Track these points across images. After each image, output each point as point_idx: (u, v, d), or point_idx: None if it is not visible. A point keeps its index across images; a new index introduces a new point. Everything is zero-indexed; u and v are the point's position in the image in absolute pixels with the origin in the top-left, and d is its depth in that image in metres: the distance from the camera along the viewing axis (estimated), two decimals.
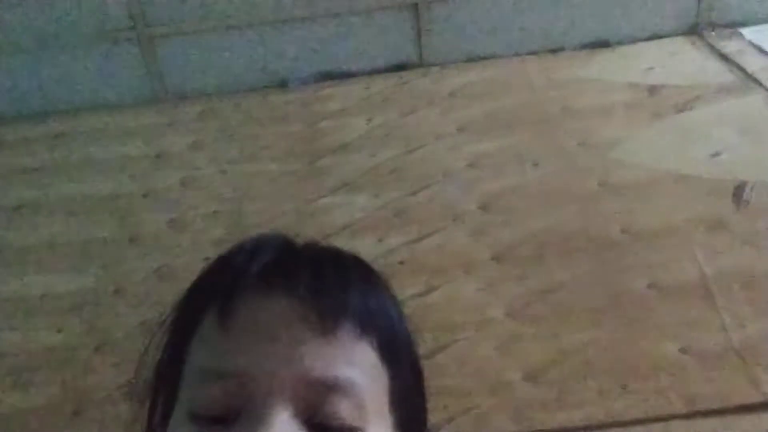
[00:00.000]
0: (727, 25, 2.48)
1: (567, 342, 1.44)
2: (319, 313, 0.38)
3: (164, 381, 0.42)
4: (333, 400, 0.36)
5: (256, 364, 0.36)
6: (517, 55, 2.47)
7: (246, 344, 0.37)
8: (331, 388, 0.36)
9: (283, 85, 2.49)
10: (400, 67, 2.49)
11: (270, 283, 0.39)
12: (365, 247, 1.72)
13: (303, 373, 0.36)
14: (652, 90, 2.19)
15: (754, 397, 1.28)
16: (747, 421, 1.25)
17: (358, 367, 0.38)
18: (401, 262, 1.68)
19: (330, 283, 0.40)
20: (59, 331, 1.63)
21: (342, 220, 1.82)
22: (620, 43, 2.48)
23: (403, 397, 0.41)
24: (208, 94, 2.46)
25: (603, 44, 2.48)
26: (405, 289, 1.60)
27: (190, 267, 1.74)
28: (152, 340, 0.43)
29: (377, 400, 0.39)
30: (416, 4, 2.41)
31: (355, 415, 0.37)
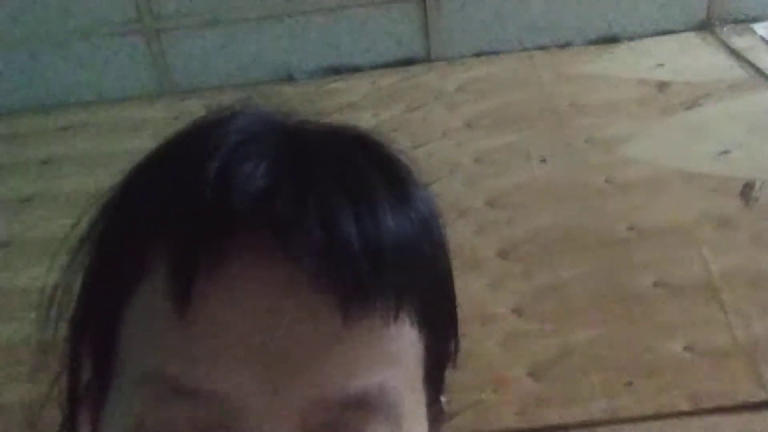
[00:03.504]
0: (738, 21, 2.45)
1: (572, 339, 1.44)
2: (345, 287, 0.23)
3: (84, 354, 0.28)
4: (359, 420, 0.24)
5: (242, 382, 0.23)
6: (525, 50, 2.46)
7: (224, 347, 0.23)
8: (357, 406, 0.24)
9: (289, 79, 2.49)
10: (407, 62, 2.49)
11: (261, 233, 0.23)
12: None
13: (316, 393, 0.23)
14: (662, 86, 2.17)
15: (759, 395, 1.28)
16: (752, 419, 1.25)
17: (393, 362, 0.25)
18: None
19: (355, 231, 0.24)
20: (65, 322, 1.65)
21: None
22: (630, 38, 2.46)
23: (437, 359, 0.29)
24: (214, 87, 2.47)
25: (612, 39, 2.46)
26: None
27: None
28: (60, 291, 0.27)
29: (414, 390, 0.27)
30: None
31: (389, 428, 0.25)
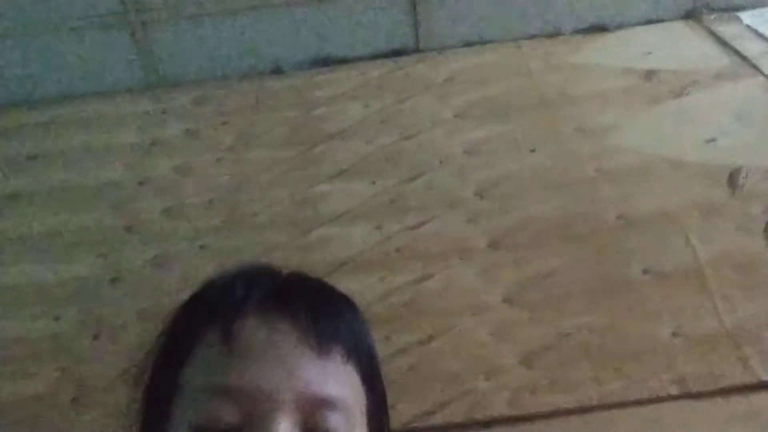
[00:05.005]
0: (725, 9, 2.47)
1: (562, 326, 1.45)
2: (316, 337, 0.43)
3: (156, 402, 0.45)
4: (327, 414, 0.42)
5: (262, 380, 0.41)
6: (514, 39, 2.46)
7: (252, 363, 0.42)
8: (326, 403, 0.42)
9: (278, 71, 2.47)
10: (396, 53, 2.48)
11: (270, 310, 0.44)
12: (361, 234, 1.72)
13: (303, 390, 0.42)
14: (649, 75, 2.18)
15: (745, 379, 1.30)
16: (738, 402, 1.27)
17: (347, 386, 0.44)
18: (398, 249, 1.69)
19: (324, 311, 0.46)
20: (56, 319, 1.64)
21: (338, 207, 1.82)
22: (617, 27, 2.46)
23: (375, 414, 0.47)
24: (202, 80, 2.44)
25: (600, 28, 2.47)
26: (401, 275, 1.61)
27: (186, 255, 1.74)
28: (145, 366, 0.47)
29: (359, 415, 0.45)
30: None
31: (344, 428, 0.42)
